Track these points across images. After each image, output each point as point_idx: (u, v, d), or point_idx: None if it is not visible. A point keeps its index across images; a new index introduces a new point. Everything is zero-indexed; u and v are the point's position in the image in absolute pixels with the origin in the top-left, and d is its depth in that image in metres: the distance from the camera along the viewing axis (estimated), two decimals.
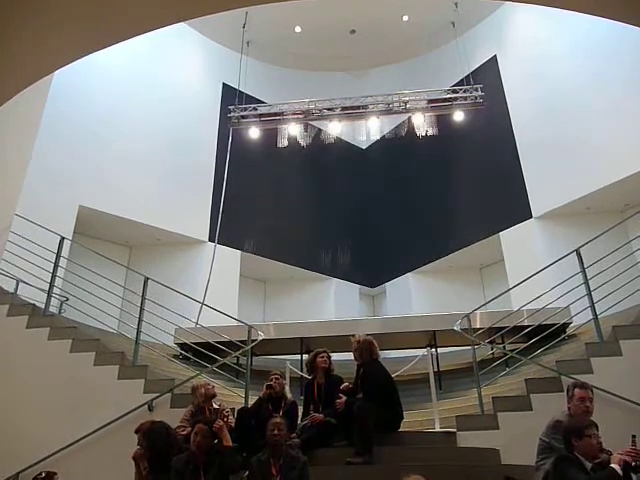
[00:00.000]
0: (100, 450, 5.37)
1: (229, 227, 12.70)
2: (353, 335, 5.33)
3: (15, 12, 3.52)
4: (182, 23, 12.04)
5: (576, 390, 3.89)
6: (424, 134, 12.70)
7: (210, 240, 12.69)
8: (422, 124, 12.75)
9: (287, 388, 5.55)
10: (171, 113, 13.18)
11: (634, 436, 3.44)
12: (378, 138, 15.63)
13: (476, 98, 12.37)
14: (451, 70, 13.85)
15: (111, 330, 7.29)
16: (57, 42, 3.87)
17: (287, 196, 14.72)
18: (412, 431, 5.70)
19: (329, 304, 14.56)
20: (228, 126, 13.13)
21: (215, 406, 5.15)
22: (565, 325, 7.77)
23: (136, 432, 4.38)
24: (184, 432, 4.68)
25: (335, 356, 5.75)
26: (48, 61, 4.11)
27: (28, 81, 4.21)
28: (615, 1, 3.77)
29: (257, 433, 4.46)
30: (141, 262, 12.11)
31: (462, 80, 13.27)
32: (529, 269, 7.03)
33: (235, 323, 7.69)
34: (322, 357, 5.34)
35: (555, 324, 6.71)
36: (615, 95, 10.68)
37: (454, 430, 5.35)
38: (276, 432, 4.02)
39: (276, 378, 5.21)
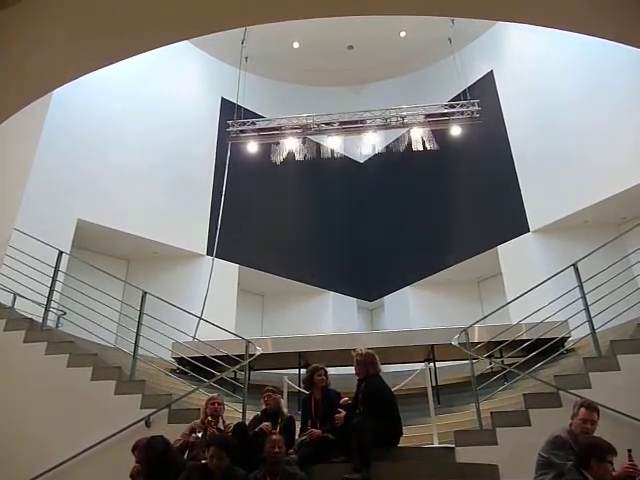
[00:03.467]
0: (97, 466, 5.32)
1: (227, 241, 12.71)
2: (354, 349, 5.32)
3: (17, 28, 3.56)
4: None
5: (581, 409, 3.87)
6: (421, 148, 12.78)
7: (208, 254, 12.70)
8: (420, 139, 12.84)
9: (283, 402, 5.48)
10: (170, 127, 13.25)
11: (630, 450, 3.44)
12: (376, 152, 15.71)
13: (473, 113, 12.47)
14: (448, 85, 13.98)
15: (108, 344, 7.26)
16: (58, 60, 3.91)
17: (285, 210, 14.76)
18: (410, 446, 5.67)
19: (327, 318, 14.52)
20: (226, 140, 13.20)
21: (221, 426, 5.08)
22: (563, 339, 7.75)
23: (133, 450, 4.34)
24: (177, 445, 4.67)
25: (333, 370, 5.73)
26: (49, 79, 4.14)
27: (29, 99, 4.24)
28: (609, 21, 3.83)
29: (254, 449, 4.42)
30: (139, 276, 12.10)
31: (459, 95, 13.39)
32: (527, 282, 7.03)
33: (233, 337, 7.67)
34: (320, 375, 5.30)
35: (553, 338, 6.70)
36: (611, 109, 10.77)
37: (452, 445, 5.32)
38: (277, 450, 3.99)
39: (268, 395, 5.17)
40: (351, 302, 15.38)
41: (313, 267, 14.77)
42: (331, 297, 14.86)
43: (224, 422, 5.23)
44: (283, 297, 15.03)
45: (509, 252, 12.28)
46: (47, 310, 6.88)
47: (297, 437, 5.11)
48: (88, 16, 3.55)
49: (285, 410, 5.28)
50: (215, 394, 5.39)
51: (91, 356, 6.33)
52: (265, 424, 4.83)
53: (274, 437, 4.11)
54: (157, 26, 3.79)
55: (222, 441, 4.11)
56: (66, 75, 4.21)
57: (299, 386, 7.62)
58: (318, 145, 14.63)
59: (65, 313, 8.11)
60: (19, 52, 3.73)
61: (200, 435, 4.83)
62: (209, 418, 4.97)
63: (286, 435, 4.62)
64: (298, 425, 5.31)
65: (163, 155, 12.90)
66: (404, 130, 13.56)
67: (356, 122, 12.88)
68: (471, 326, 6.85)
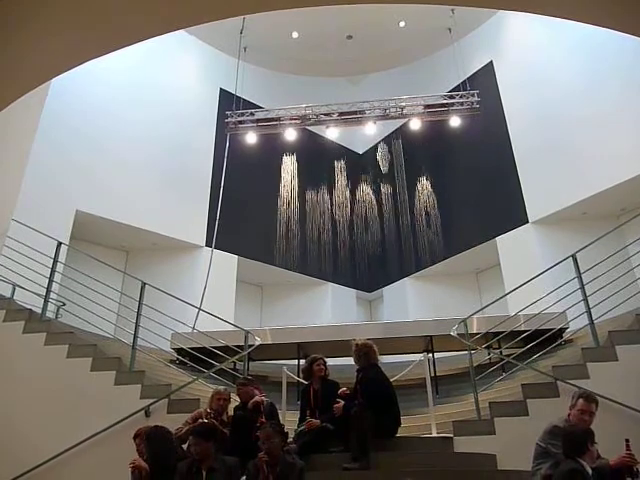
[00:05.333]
0: (97, 456, 5.34)
1: (226, 232, 12.70)
2: (354, 339, 5.33)
3: (15, 17, 3.54)
4: None
5: (580, 400, 3.86)
6: (420, 139, 12.75)
7: (207, 245, 12.70)
8: (419, 129, 12.81)
9: (256, 391, 5.34)
10: (168, 118, 13.20)
11: (628, 440, 3.46)
12: (375, 143, 15.69)
13: (472, 104, 12.42)
14: (448, 75, 13.90)
15: (108, 335, 7.27)
16: (56, 49, 3.89)
17: (284, 201, 14.75)
18: (409, 436, 5.68)
19: (326, 309, 14.56)
20: (225, 131, 13.14)
21: (224, 418, 5.04)
22: (562, 330, 7.78)
23: (134, 438, 4.35)
24: (182, 432, 4.68)
25: (332, 361, 5.73)
26: (46, 68, 4.12)
27: (26, 88, 4.22)
28: (611, 11, 3.80)
29: (250, 437, 4.42)
30: (138, 267, 12.10)
31: (459, 86, 13.33)
32: (525, 274, 7.04)
33: (232, 328, 7.68)
34: (318, 365, 5.31)
35: (552, 329, 6.72)
36: (611, 101, 10.74)
37: (451, 435, 5.34)
38: (266, 445, 3.97)
39: (239, 389, 5.08)
40: (350, 293, 15.40)
41: (312, 258, 14.78)
42: (330, 288, 14.88)
43: (227, 414, 5.21)
44: (282, 288, 15.05)
45: (508, 243, 12.29)
46: (46, 301, 6.87)
47: (296, 427, 5.12)
48: (85, 4, 3.52)
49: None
50: (222, 388, 5.26)
51: (90, 347, 6.33)
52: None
53: (265, 432, 4.06)
54: (155, 14, 3.77)
55: (199, 430, 4.09)
56: (63, 64, 4.19)
57: (298, 376, 7.64)
58: (317, 136, 14.60)
59: (64, 304, 8.11)
60: (16, 40, 3.70)
61: None
62: (209, 411, 4.97)
63: (271, 420, 4.62)
64: (296, 416, 5.31)
65: (161, 146, 12.86)
66: (403, 121, 13.53)
67: (355, 113, 12.82)
68: (470, 317, 6.85)
